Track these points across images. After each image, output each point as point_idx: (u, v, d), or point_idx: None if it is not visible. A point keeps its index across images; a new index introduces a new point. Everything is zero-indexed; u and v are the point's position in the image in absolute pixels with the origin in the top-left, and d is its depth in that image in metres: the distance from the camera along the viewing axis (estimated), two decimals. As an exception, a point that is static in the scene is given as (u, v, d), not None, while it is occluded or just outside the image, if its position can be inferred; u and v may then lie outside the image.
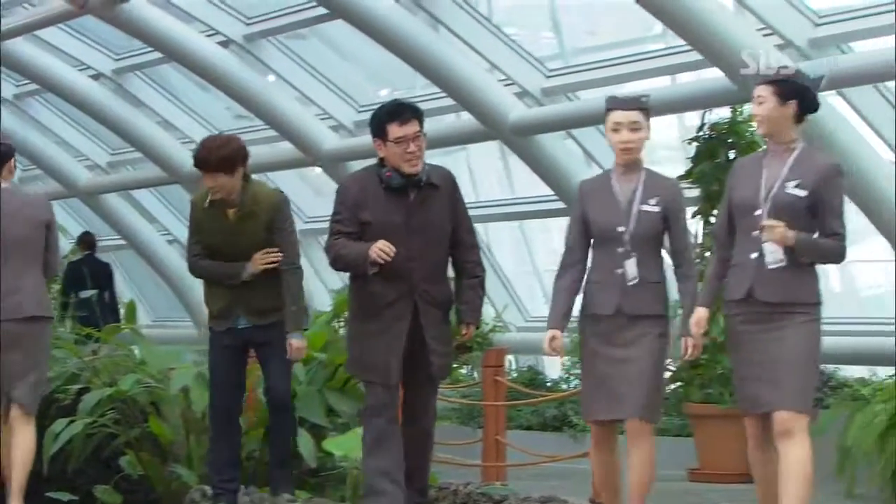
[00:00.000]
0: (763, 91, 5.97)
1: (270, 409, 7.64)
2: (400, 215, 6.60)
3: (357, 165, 12.82)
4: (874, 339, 9.54)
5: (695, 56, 9.38)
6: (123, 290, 18.49)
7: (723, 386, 9.06)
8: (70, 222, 18.68)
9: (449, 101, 11.55)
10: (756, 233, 5.88)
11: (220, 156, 7.36)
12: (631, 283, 6.17)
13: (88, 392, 9.07)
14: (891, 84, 8.83)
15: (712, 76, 9.38)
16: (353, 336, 6.87)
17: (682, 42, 9.46)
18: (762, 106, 5.97)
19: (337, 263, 6.78)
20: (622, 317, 6.19)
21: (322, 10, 11.56)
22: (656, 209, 6.21)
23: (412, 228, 6.61)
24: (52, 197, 17.67)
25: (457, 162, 13.03)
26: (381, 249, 6.49)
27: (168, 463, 9.01)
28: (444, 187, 6.71)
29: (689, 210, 9.48)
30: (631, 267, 6.21)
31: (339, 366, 9.52)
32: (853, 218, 9.68)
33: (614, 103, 6.29)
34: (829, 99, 8.94)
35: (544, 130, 10.85)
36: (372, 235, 6.55)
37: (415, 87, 12.19)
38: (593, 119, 9.81)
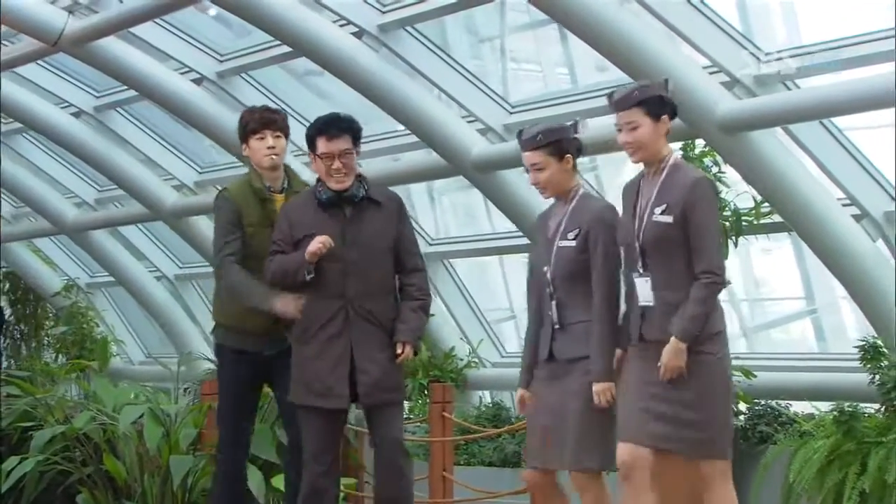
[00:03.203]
0: (635, 116, 5.71)
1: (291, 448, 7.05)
2: (334, 228, 6.49)
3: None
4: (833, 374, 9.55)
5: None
6: (116, 326, 18.58)
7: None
8: (62, 258, 18.82)
9: (413, 138, 11.62)
10: (636, 275, 5.71)
11: (283, 116, 7.05)
12: (556, 328, 5.99)
13: (41, 429, 9.15)
14: (836, 120, 8.85)
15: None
16: (294, 361, 6.63)
17: (629, 80, 9.48)
18: (638, 131, 5.71)
19: (275, 277, 6.57)
20: (554, 361, 6.03)
21: (287, 49, 11.62)
22: (572, 244, 5.96)
23: (347, 242, 6.49)
24: (40, 234, 17.94)
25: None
26: (320, 241, 6.39)
27: (122, 501, 9.06)
28: (387, 206, 6.61)
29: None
30: (552, 309, 6.04)
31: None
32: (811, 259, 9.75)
33: (520, 143, 6.14)
34: (777, 136, 9.00)
35: (506, 167, 10.88)
36: None
37: (388, 123, 12.23)
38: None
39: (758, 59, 8.92)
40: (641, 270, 5.71)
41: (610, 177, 11.42)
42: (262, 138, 6.90)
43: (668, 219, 5.61)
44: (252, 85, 12.99)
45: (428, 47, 11.08)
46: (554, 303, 5.99)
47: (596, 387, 5.88)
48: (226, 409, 7.08)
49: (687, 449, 5.73)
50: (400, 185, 12.30)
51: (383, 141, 12.45)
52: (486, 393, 12.88)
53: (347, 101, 12.10)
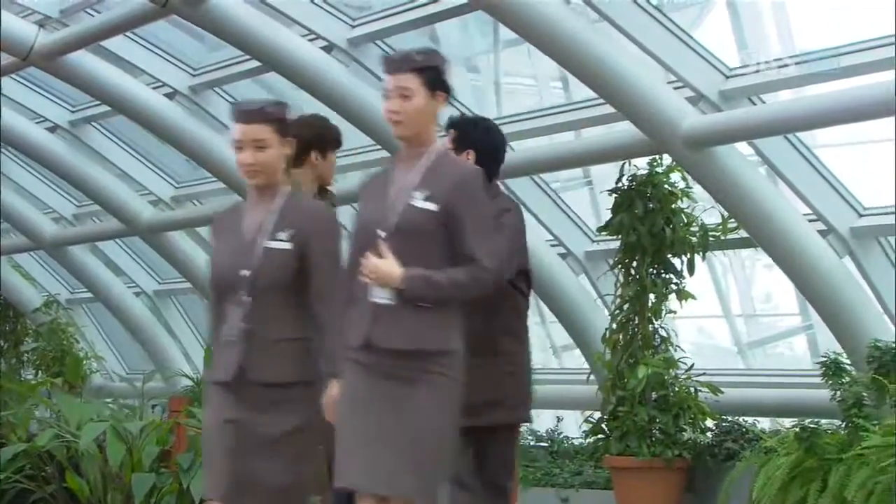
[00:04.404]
0: (411, 83, 5.07)
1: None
2: None
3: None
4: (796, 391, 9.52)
5: (607, 109, 9.37)
6: (96, 343, 18.50)
7: (641, 438, 9.03)
8: (42, 274, 18.75)
9: (385, 153, 11.58)
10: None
11: None
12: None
13: (3, 447, 9.10)
14: (801, 135, 8.82)
15: (625, 128, 9.37)
16: None
17: (586, 95, 9.47)
18: (411, 101, 5.06)
19: None
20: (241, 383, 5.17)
21: (256, 63, 11.59)
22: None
23: None
24: (18, 250, 17.87)
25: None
26: None
27: (85, 519, 9.02)
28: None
29: (608, 262, 9.63)
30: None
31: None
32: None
33: (233, 115, 5.33)
34: (740, 149, 8.96)
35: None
36: None
37: (360, 138, 12.18)
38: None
39: (723, 74, 8.89)
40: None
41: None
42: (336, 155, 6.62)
43: (432, 207, 5.05)
44: (225, 99, 12.95)
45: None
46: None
47: None
48: None
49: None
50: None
51: (356, 156, 12.42)
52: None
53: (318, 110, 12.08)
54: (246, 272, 5.16)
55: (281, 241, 5.16)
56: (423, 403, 5.00)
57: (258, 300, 5.15)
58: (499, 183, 6.47)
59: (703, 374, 9.28)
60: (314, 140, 6.40)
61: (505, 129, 6.90)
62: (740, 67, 8.89)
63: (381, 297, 5.03)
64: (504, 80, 11.72)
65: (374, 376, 5.04)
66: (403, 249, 5.04)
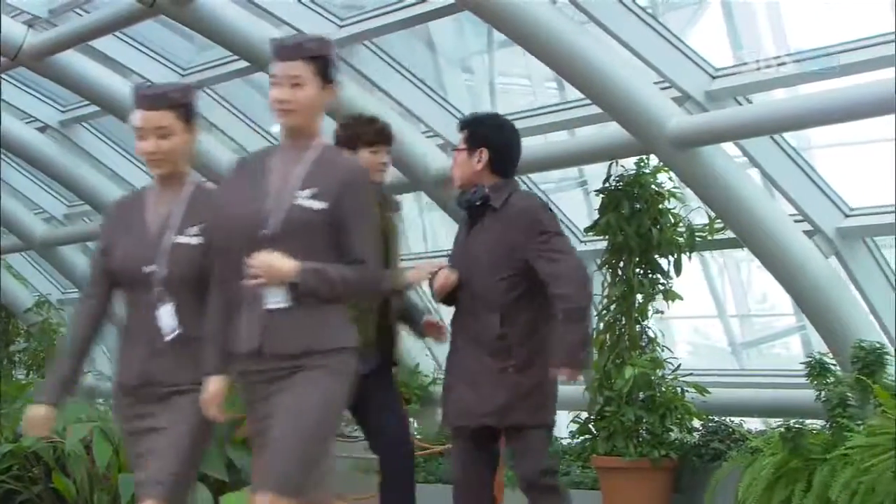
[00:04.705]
0: (303, 70, 4.79)
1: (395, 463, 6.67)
2: None
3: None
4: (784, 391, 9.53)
5: (594, 109, 9.38)
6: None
7: (628, 438, 9.03)
8: (34, 274, 18.74)
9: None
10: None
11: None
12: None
13: (-11, 448, 9.09)
14: (787, 135, 8.82)
15: (614, 129, 9.37)
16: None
17: (580, 95, 9.47)
18: (303, 90, 4.78)
19: None
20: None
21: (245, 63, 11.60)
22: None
23: None
24: (8, 250, 17.84)
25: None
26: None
27: (73, 520, 9.02)
28: None
29: (596, 262, 9.62)
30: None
31: (241, 419, 9.52)
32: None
33: (134, 100, 5.07)
34: (726, 150, 8.97)
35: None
36: None
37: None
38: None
39: (710, 74, 8.89)
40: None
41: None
42: (376, 152, 6.62)
43: (320, 205, 4.76)
44: (215, 99, 12.94)
45: (387, 62, 11.04)
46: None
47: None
48: None
49: None
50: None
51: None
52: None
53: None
54: (152, 268, 4.89)
55: (190, 236, 4.91)
56: (309, 398, 4.72)
57: (169, 298, 4.90)
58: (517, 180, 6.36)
59: (691, 374, 9.28)
60: (346, 141, 6.48)
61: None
62: (727, 68, 8.89)
63: (274, 301, 4.75)
64: (498, 81, 11.72)
65: (264, 382, 4.78)
66: (288, 250, 4.74)
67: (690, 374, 9.26)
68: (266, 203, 4.76)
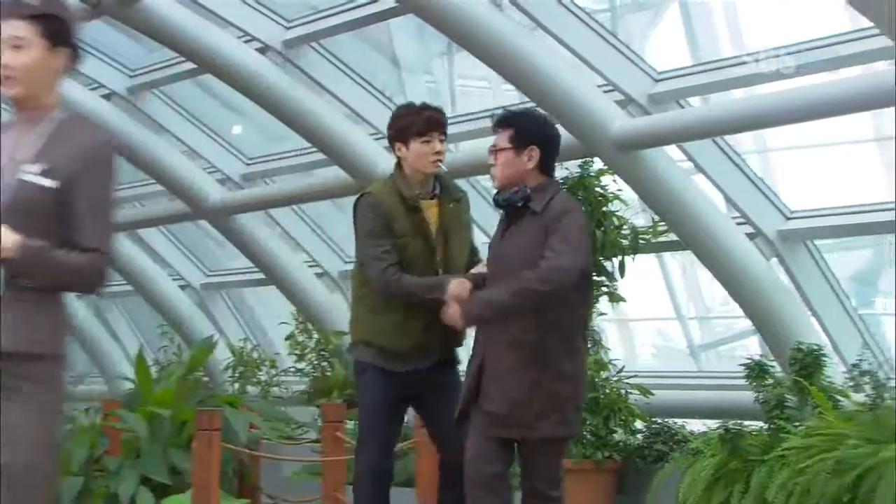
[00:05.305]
0: (23, 30, 4.13)
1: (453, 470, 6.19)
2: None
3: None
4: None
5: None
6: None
7: (573, 442, 9.04)
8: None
9: (321, 156, 11.59)
10: None
11: (446, 117, 6.41)
12: None
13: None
14: (728, 138, 8.87)
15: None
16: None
17: (525, 98, 9.50)
18: (22, 53, 4.13)
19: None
20: None
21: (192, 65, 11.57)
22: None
23: None
24: None
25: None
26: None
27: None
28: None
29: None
30: None
31: (184, 422, 9.51)
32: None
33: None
34: (670, 153, 9.01)
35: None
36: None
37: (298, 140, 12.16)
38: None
39: (652, 77, 8.93)
40: None
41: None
42: (428, 141, 6.27)
43: (51, 183, 4.10)
44: (164, 101, 12.92)
45: (334, 63, 11.04)
46: None
47: None
48: (372, 437, 6.30)
49: None
50: (313, 201, 12.38)
51: (291, 159, 12.44)
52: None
53: (262, 119, 12.07)
54: None
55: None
56: (18, 423, 4.05)
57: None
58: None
59: (636, 375, 9.31)
60: (397, 135, 6.31)
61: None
62: (668, 71, 8.94)
63: None
64: (458, 83, 11.74)
65: None
66: (14, 230, 4.07)
67: (635, 376, 9.29)
68: None
